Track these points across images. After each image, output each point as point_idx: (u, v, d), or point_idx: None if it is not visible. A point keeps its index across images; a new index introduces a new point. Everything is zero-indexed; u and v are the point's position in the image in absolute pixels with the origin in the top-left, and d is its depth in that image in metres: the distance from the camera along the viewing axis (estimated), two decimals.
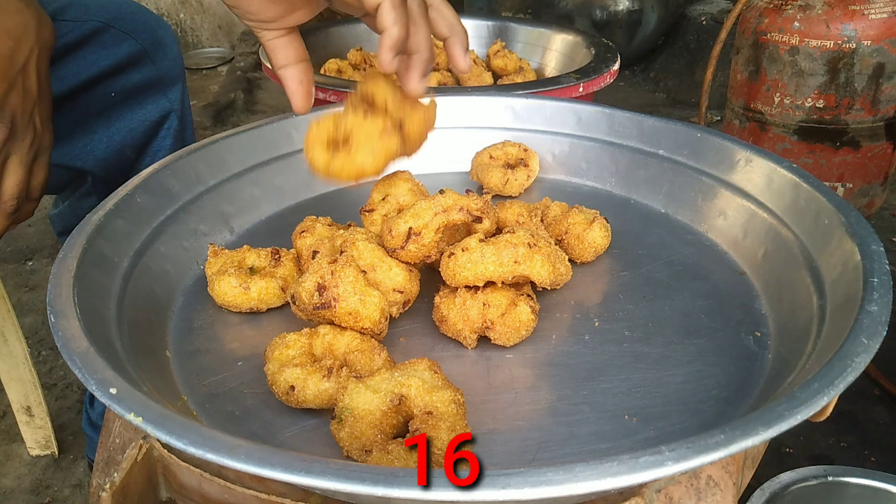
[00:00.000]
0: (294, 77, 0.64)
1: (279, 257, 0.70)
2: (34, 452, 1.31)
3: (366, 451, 0.49)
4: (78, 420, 1.39)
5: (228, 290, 0.66)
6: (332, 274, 0.58)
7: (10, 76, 0.69)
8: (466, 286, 0.61)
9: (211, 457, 0.39)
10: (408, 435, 0.51)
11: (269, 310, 0.68)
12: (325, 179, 0.64)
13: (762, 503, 0.79)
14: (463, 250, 0.60)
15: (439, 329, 0.63)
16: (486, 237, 0.61)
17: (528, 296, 0.63)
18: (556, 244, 0.73)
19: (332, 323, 0.59)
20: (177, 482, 0.52)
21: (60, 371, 1.52)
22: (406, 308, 0.64)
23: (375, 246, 0.63)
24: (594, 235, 0.72)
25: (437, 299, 0.63)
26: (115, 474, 0.49)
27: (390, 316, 0.62)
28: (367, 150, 0.61)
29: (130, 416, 0.42)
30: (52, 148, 0.75)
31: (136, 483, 0.50)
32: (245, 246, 0.71)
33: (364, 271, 0.61)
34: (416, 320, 0.66)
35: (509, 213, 0.73)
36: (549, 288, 0.64)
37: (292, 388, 0.54)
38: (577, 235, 0.72)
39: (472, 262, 0.59)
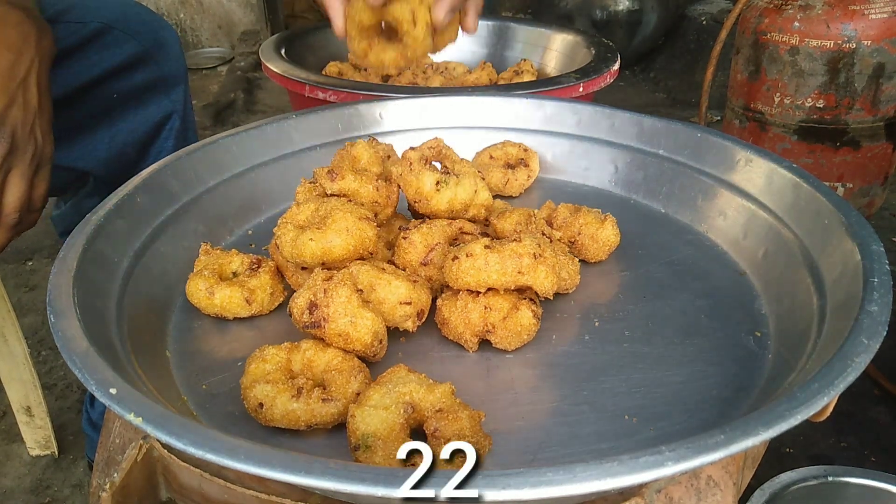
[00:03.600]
0: (338, 9, 0.83)
1: (257, 267, 0.68)
2: (34, 452, 1.31)
3: (410, 465, 0.48)
4: (78, 420, 1.39)
5: (195, 291, 0.66)
6: (324, 292, 0.56)
7: (10, 90, 0.68)
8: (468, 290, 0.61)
9: (211, 457, 0.39)
10: (426, 433, 0.51)
11: (272, 312, 0.68)
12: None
13: (762, 503, 0.79)
14: (467, 256, 0.59)
15: (441, 331, 0.63)
16: (491, 243, 0.60)
17: (531, 300, 0.62)
18: (569, 245, 0.73)
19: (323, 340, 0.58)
20: (177, 482, 0.52)
21: (60, 371, 1.52)
22: (422, 320, 0.62)
23: (370, 266, 0.61)
24: (608, 233, 0.72)
25: (439, 301, 0.63)
26: (115, 474, 0.49)
27: (407, 330, 0.61)
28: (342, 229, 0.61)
29: (130, 416, 0.42)
30: (53, 159, 0.75)
31: (136, 483, 0.50)
32: (234, 250, 0.71)
33: (361, 290, 0.59)
34: None
35: (506, 224, 0.72)
36: (550, 298, 0.64)
37: (261, 405, 0.53)
38: (591, 235, 0.72)
39: (475, 268, 0.59)
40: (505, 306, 0.61)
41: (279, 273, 0.69)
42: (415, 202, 0.69)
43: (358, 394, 0.53)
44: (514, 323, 0.60)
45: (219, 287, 0.65)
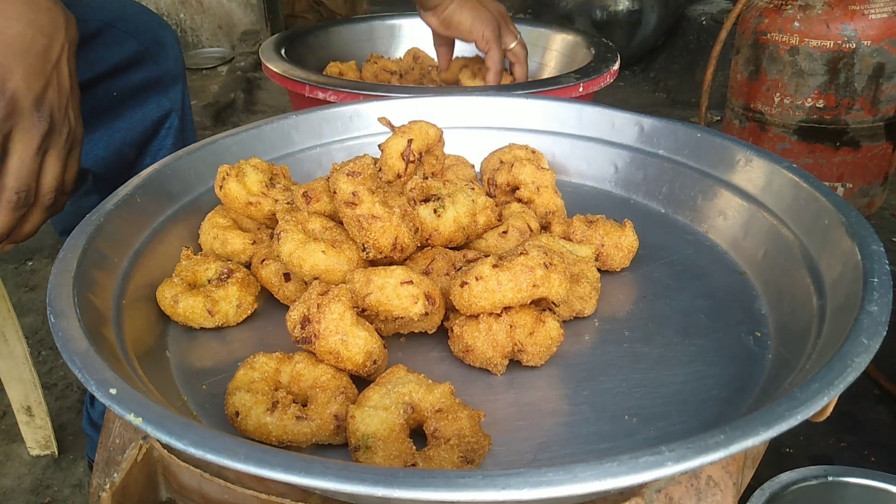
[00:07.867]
0: (445, 55, 1.34)
1: (227, 277, 0.66)
2: (34, 452, 1.31)
3: (411, 465, 0.48)
4: (78, 420, 1.39)
5: (161, 298, 0.65)
6: (317, 307, 0.54)
7: (46, 73, 0.70)
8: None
9: (211, 457, 0.39)
10: (426, 433, 0.51)
11: (272, 313, 0.68)
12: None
13: (762, 503, 0.79)
14: (477, 279, 0.56)
15: (463, 360, 0.60)
16: (498, 261, 0.57)
17: (549, 309, 0.61)
18: (595, 258, 0.71)
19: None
20: (177, 482, 0.52)
21: (60, 371, 1.52)
22: (435, 306, 0.58)
23: (365, 268, 0.60)
24: (630, 240, 0.72)
25: (456, 328, 0.60)
26: (115, 474, 0.49)
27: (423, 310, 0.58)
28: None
29: (130, 417, 0.42)
30: (83, 141, 0.76)
31: (136, 483, 0.50)
32: (211, 257, 0.70)
33: (358, 307, 0.57)
34: None
35: (490, 240, 0.70)
36: (564, 303, 0.62)
37: (237, 413, 0.52)
38: (615, 244, 0.71)
39: (488, 290, 0.56)
40: (529, 321, 0.58)
41: (250, 284, 0.67)
42: (427, 239, 0.67)
43: (336, 416, 0.52)
44: (543, 336, 0.58)
45: (183, 296, 0.64)
